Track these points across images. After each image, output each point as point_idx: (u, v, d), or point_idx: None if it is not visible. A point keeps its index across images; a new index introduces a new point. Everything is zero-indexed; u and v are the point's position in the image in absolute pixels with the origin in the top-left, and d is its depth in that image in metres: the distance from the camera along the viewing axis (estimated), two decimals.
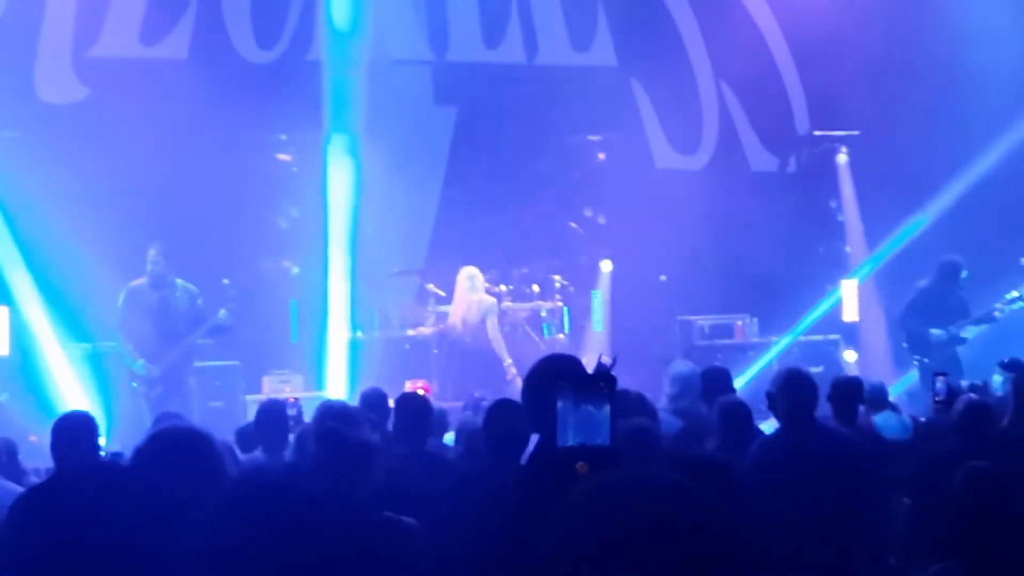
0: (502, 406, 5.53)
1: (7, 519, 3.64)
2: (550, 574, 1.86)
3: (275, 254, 12.68)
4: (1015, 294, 11.98)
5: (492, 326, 11.87)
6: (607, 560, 1.79)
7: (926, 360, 11.70)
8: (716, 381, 7.23)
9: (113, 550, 3.14)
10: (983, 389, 8.12)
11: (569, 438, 2.69)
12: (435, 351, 12.22)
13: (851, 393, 6.81)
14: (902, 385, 11.94)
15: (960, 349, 11.95)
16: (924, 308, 11.86)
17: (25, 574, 3.34)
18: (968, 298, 12.02)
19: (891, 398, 8.33)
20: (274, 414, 6.89)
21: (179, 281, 11.00)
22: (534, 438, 3.79)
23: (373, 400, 7.22)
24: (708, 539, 1.81)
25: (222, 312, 10.87)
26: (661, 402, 7.20)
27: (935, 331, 11.80)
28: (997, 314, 11.89)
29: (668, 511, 1.82)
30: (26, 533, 3.43)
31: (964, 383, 8.69)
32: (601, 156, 14.00)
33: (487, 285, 12.27)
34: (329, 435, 4.99)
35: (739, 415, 6.14)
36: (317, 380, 12.03)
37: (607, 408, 2.76)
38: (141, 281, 10.91)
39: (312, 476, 4.74)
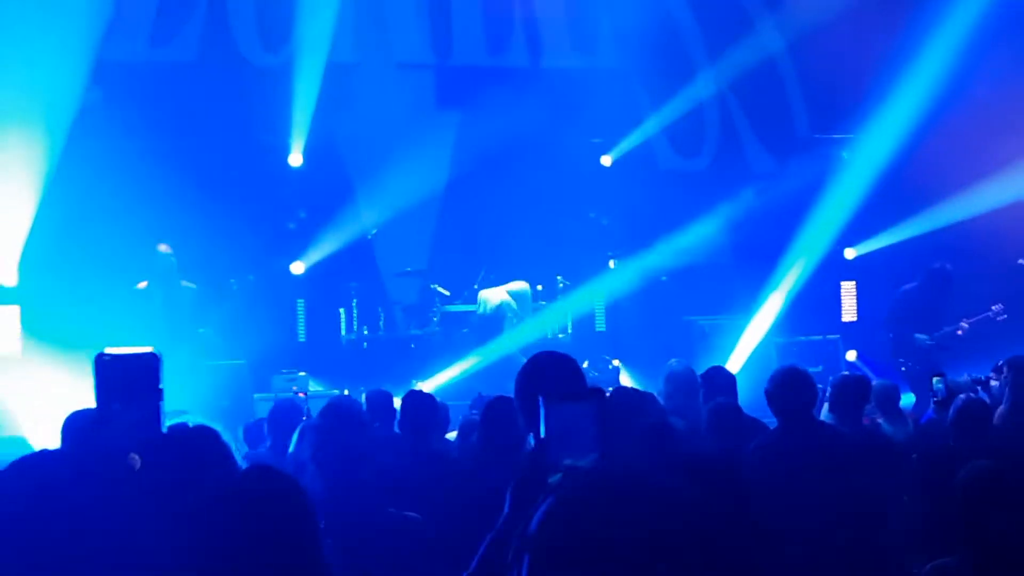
0: (498, 403, 5.46)
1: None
2: (538, 569, 1.87)
3: (283, 255, 12.76)
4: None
5: None
6: (584, 559, 1.80)
7: (910, 364, 11.56)
8: (718, 383, 6.98)
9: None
10: (985, 383, 8.06)
11: (556, 452, 2.63)
12: None
13: (853, 392, 6.62)
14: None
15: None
16: (910, 312, 11.67)
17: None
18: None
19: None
20: (288, 412, 6.91)
21: (183, 281, 11.16)
22: (531, 438, 3.79)
23: (378, 401, 7.18)
24: (689, 539, 1.82)
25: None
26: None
27: (920, 336, 11.63)
28: (960, 331, 11.68)
29: (649, 511, 1.82)
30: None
31: (966, 377, 8.59)
32: (606, 159, 14.08)
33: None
34: (331, 432, 5.03)
35: (729, 419, 6.02)
36: (324, 379, 12.13)
37: (593, 420, 2.65)
38: (147, 283, 11.07)
39: (315, 472, 4.79)
